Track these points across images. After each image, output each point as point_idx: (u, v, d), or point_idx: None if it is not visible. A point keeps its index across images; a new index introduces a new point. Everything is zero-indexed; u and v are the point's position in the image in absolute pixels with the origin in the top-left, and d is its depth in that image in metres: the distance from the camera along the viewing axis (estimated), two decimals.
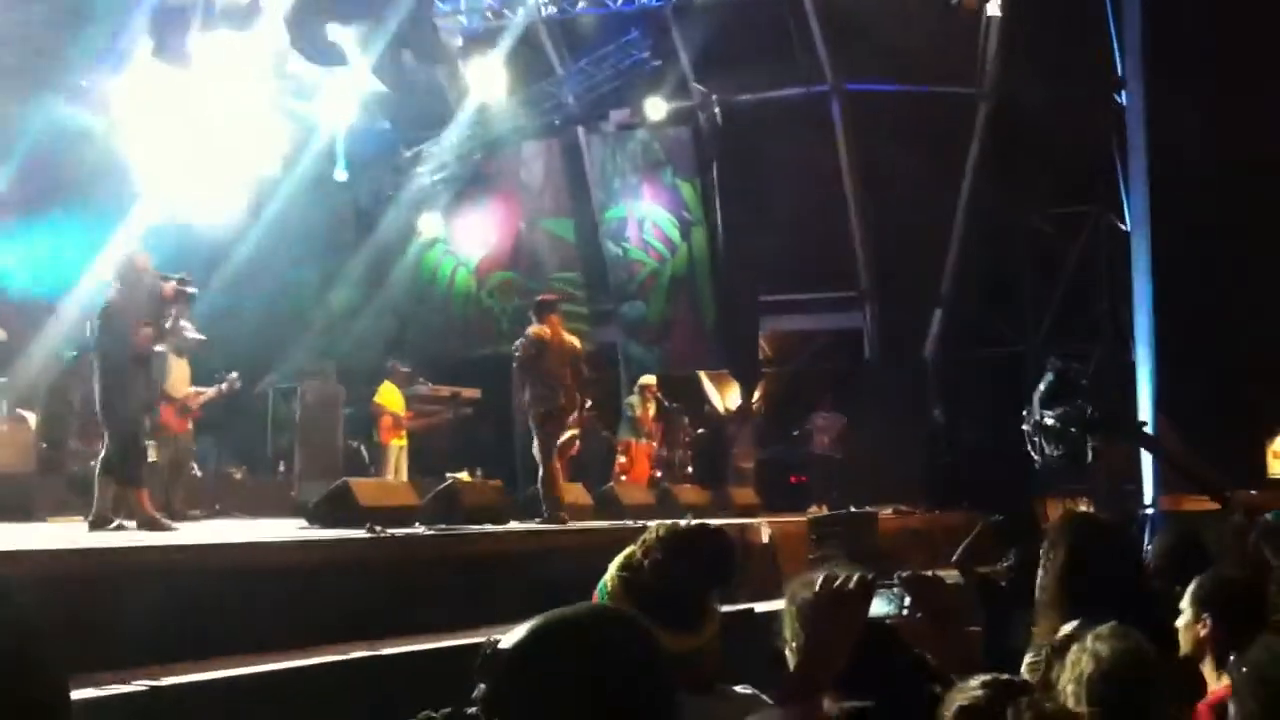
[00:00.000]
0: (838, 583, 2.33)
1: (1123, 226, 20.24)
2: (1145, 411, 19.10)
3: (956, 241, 20.00)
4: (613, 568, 2.57)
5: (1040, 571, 4.19)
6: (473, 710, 1.82)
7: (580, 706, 1.69)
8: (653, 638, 1.77)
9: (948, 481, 17.43)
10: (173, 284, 9.07)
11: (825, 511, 14.30)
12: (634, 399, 15.87)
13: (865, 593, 2.34)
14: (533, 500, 10.86)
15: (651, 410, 15.79)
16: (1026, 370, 20.44)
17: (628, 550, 2.57)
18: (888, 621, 2.66)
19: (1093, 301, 20.46)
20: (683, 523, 2.61)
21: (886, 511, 15.27)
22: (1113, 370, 19.96)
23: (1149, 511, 17.10)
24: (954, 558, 7.99)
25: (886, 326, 20.09)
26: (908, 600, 2.64)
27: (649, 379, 16.21)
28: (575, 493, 11.66)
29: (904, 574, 3.52)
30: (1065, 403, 15.04)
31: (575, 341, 11.32)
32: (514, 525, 9.89)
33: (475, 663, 1.75)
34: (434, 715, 1.88)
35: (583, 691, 1.69)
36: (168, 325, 9.06)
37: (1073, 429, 14.66)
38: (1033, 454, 15.49)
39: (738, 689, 2.57)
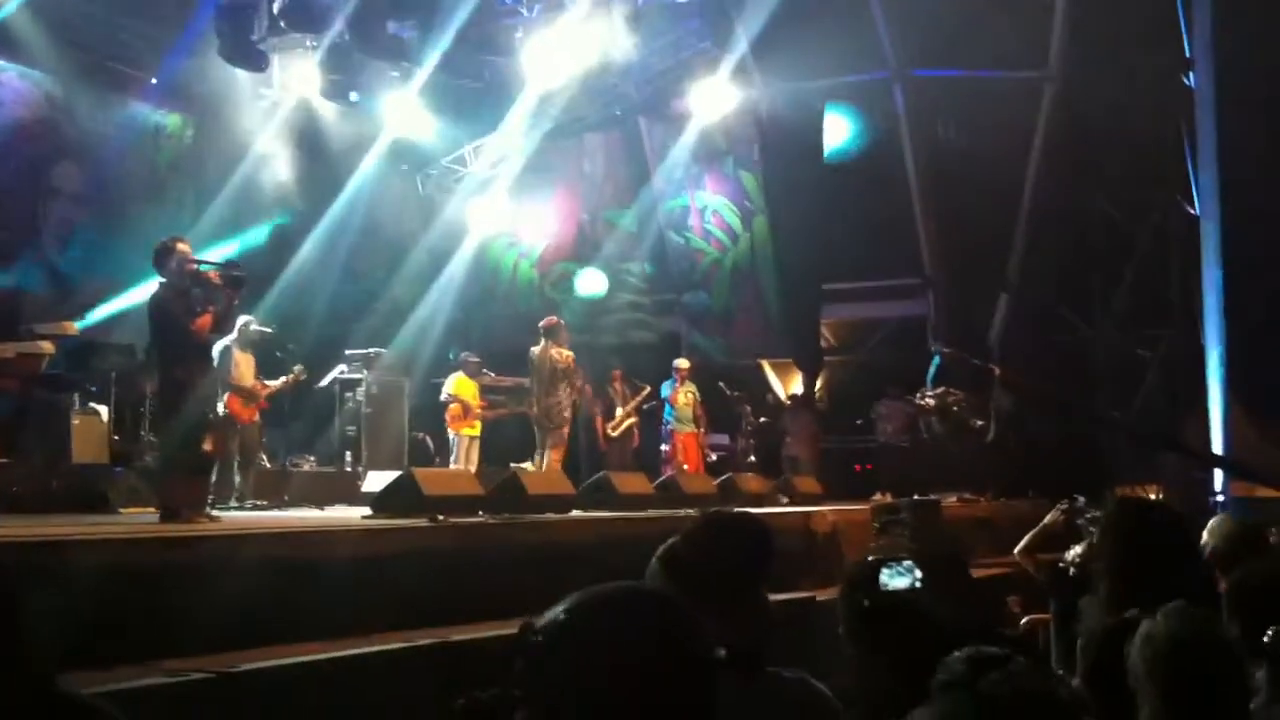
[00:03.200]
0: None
1: (1192, 211, 19.92)
2: (1215, 398, 18.82)
3: (1022, 227, 19.79)
4: (657, 554, 2.61)
5: (1086, 558, 4.18)
6: (515, 692, 1.85)
7: (612, 683, 1.70)
8: (688, 617, 1.78)
9: (1014, 470, 17.28)
10: (216, 271, 9.04)
11: (889, 500, 14.23)
12: (666, 385, 15.78)
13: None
14: (592, 489, 10.96)
15: (685, 395, 15.63)
16: (1095, 357, 20.22)
17: (672, 539, 2.61)
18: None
19: (1162, 287, 20.16)
20: (723, 510, 2.65)
21: (951, 499, 15.17)
22: (1183, 356, 19.68)
23: (1220, 499, 16.86)
24: (1019, 546, 7.96)
25: (951, 313, 19.92)
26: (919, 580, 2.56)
27: (680, 362, 16.08)
28: (636, 482, 11.72)
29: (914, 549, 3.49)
30: (947, 384, 16.76)
31: (569, 356, 13.51)
32: (576, 513, 9.94)
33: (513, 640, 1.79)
34: (481, 695, 1.91)
35: (615, 668, 1.70)
36: (222, 312, 8.98)
37: (955, 409, 16.34)
38: (922, 431, 16.98)
39: (786, 673, 2.60)
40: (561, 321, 14.01)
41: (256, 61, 15.01)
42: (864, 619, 2.79)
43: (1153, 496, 15.29)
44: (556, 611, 1.78)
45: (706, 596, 2.35)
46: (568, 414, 13.53)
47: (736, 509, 2.72)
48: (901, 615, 2.71)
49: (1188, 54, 19.72)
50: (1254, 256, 18.56)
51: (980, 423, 16.69)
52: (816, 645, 3.41)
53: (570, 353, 13.56)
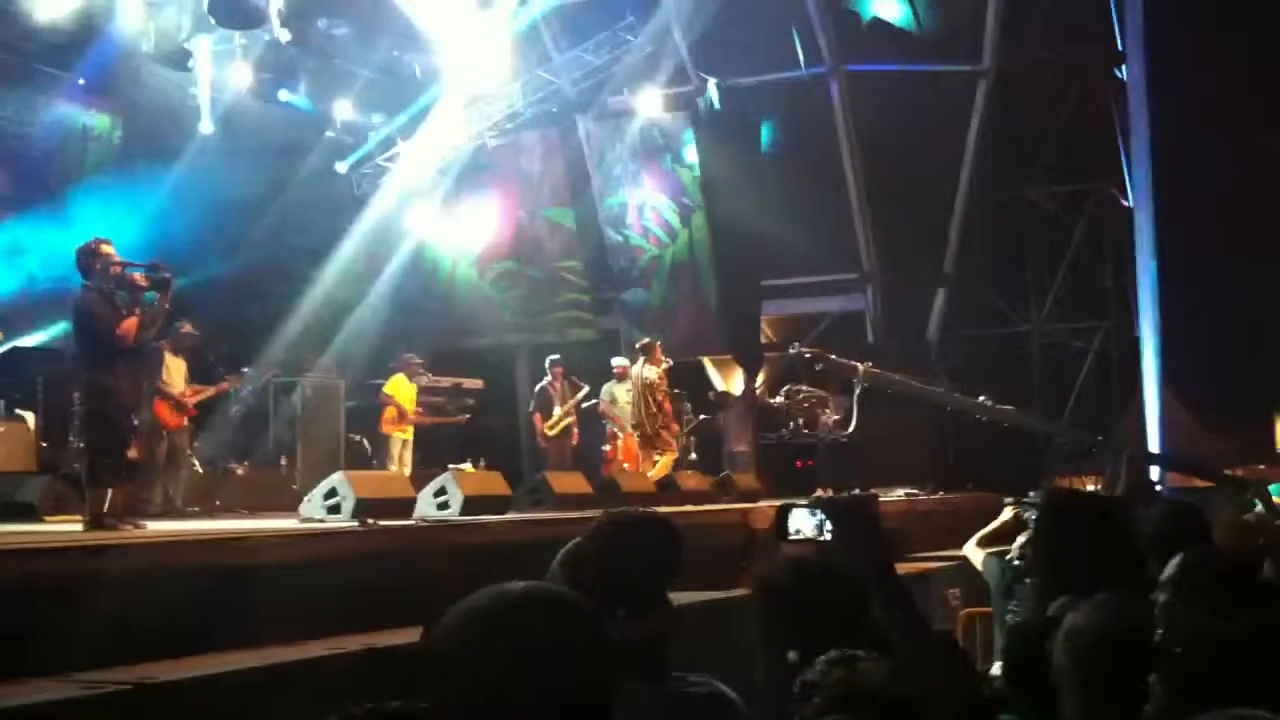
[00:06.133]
0: None
1: (1125, 203, 20.13)
2: (1151, 388, 19.01)
3: (959, 221, 19.90)
4: (559, 555, 2.54)
5: (1030, 551, 4.14)
6: (396, 705, 1.78)
7: (510, 684, 1.66)
8: (591, 617, 1.73)
9: (956, 464, 17.37)
10: (142, 273, 8.83)
11: (829, 495, 14.20)
12: (610, 385, 15.62)
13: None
14: (528, 490, 10.87)
15: (627, 394, 15.46)
16: (1032, 348, 20.39)
17: (575, 539, 2.54)
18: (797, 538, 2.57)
19: (1097, 278, 20.37)
20: (627, 510, 2.58)
21: (895, 494, 15.20)
22: (1118, 347, 19.89)
23: (1157, 489, 17.02)
24: (968, 544, 7.91)
25: (889, 308, 19.99)
26: (829, 524, 2.50)
27: (620, 361, 15.99)
28: (574, 481, 11.63)
29: (825, 494, 3.45)
30: (796, 381, 17.05)
31: (660, 373, 14.83)
32: (511, 515, 9.83)
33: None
34: (355, 712, 1.83)
35: (512, 668, 1.66)
36: (150, 315, 8.77)
37: (806, 405, 16.67)
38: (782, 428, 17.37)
39: (692, 678, 2.53)
40: (655, 342, 15.13)
41: (182, 60, 14.77)
42: (782, 619, 2.73)
43: (1090, 488, 15.42)
44: (454, 613, 1.72)
45: (609, 599, 2.28)
46: (660, 425, 14.71)
47: (642, 509, 2.65)
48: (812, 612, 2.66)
49: (1120, 47, 19.93)
50: (1187, 247, 18.79)
51: (836, 417, 16.74)
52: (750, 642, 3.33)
53: (657, 370, 14.75)
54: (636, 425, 14.77)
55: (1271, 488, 7.29)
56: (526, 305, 20.25)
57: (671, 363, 15.22)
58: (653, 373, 14.82)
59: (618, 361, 15.89)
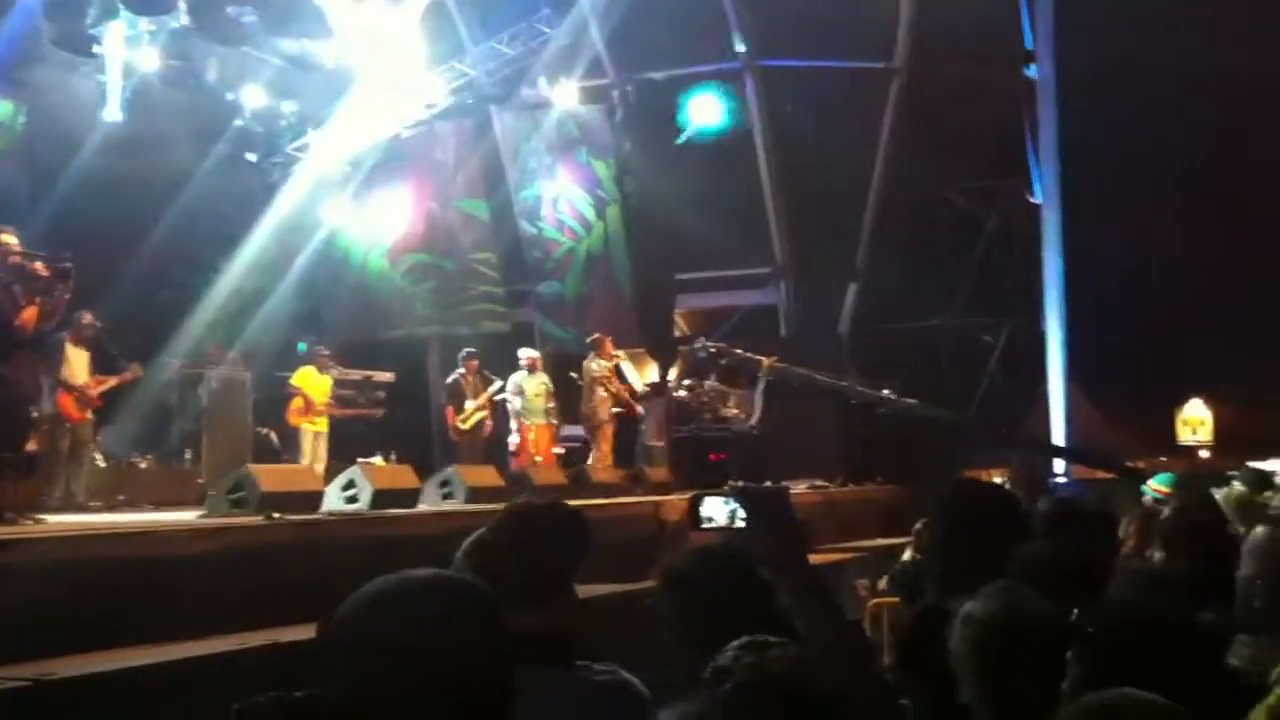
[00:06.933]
0: None
1: (1034, 199, 20.44)
2: (1056, 382, 19.33)
3: (871, 216, 20.09)
4: (463, 546, 2.53)
5: (926, 534, 4.19)
6: (300, 694, 1.77)
7: (409, 672, 1.66)
8: (492, 606, 1.72)
9: (865, 456, 17.53)
10: (43, 262, 8.65)
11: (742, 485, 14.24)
12: (516, 376, 15.47)
13: None
14: (439, 484, 10.78)
15: (535, 386, 15.36)
16: (942, 343, 20.66)
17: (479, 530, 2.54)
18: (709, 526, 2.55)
19: (1006, 274, 20.68)
20: (533, 501, 2.58)
21: (802, 486, 15.29)
22: (1025, 342, 20.20)
23: (1061, 480, 17.33)
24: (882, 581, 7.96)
25: (802, 302, 20.14)
26: (741, 512, 2.47)
27: (525, 352, 15.91)
28: (485, 474, 11.56)
29: (737, 484, 3.46)
30: (699, 377, 17.23)
31: (608, 367, 15.60)
32: (423, 508, 9.77)
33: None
34: (259, 700, 1.81)
35: (412, 657, 1.66)
36: (51, 305, 8.61)
37: (706, 399, 16.76)
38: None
39: (597, 667, 2.54)
40: (605, 338, 15.74)
41: (86, 46, 14.45)
42: (686, 608, 2.74)
43: (998, 480, 15.64)
44: (358, 599, 1.73)
45: (514, 589, 2.27)
46: (604, 417, 15.36)
47: (549, 499, 2.64)
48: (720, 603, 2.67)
49: (1029, 46, 20.23)
50: (1093, 243, 19.11)
51: (736, 411, 16.88)
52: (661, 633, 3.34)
53: (606, 364, 15.46)
54: (585, 417, 15.44)
55: (1159, 478, 7.45)
56: (439, 297, 20.10)
57: (623, 356, 15.79)
58: (602, 367, 15.35)
59: (526, 353, 15.78)
